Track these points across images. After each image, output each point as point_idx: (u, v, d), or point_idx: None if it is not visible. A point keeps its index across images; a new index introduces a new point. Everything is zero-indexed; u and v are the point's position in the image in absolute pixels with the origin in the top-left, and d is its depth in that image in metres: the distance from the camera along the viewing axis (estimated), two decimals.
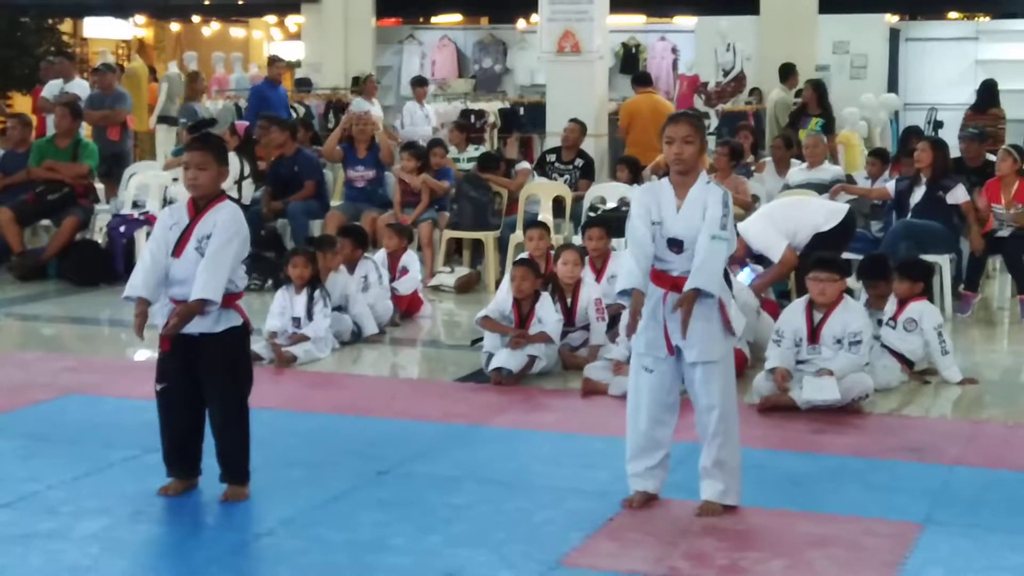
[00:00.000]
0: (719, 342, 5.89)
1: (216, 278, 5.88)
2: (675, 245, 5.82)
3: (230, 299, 5.98)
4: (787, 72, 17.02)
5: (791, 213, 9.92)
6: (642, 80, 16.15)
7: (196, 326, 5.94)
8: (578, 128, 13.79)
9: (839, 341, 7.92)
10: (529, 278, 8.78)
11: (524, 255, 9.68)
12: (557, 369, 8.76)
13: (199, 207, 6.03)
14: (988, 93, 16.62)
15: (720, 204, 5.81)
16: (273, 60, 18.04)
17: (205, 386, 6.01)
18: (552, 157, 13.83)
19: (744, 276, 9.58)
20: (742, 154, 12.70)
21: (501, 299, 8.93)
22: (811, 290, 8.07)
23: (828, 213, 9.89)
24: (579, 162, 13.61)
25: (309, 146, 13.93)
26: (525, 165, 13.85)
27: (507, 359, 8.52)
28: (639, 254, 5.86)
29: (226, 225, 5.96)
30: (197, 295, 5.86)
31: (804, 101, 15.91)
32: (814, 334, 7.99)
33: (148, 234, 12.13)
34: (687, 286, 5.73)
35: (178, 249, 5.96)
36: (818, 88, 15.92)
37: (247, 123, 15.70)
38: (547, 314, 8.71)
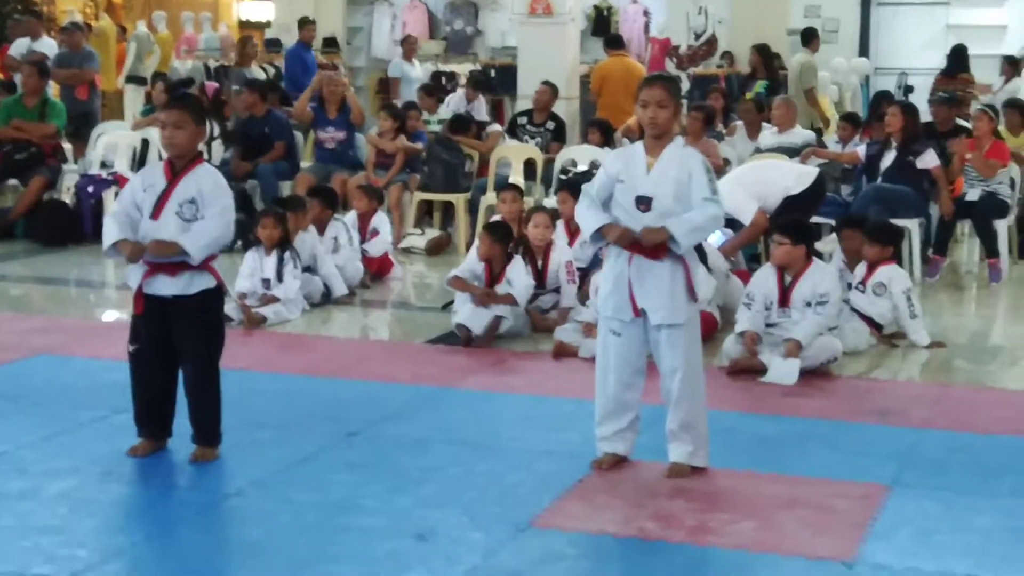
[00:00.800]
0: (683, 305, 5.89)
1: (206, 239, 5.86)
2: (643, 202, 5.82)
3: (204, 261, 5.95)
4: (809, 36, 17.02)
5: (761, 176, 9.93)
6: (614, 43, 16.11)
7: (169, 288, 5.91)
8: (549, 91, 13.77)
9: (809, 304, 7.95)
10: (495, 244, 8.76)
11: (496, 218, 9.67)
12: (526, 332, 8.77)
13: (176, 169, 5.98)
14: (957, 58, 16.67)
15: (704, 170, 5.84)
16: (304, 22, 17.82)
17: (178, 348, 5.99)
18: (523, 119, 13.81)
19: (715, 239, 9.59)
20: (715, 117, 12.69)
21: (472, 260, 8.92)
22: (772, 252, 8.11)
23: (798, 176, 9.90)
24: (550, 124, 13.59)
25: (278, 107, 13.87)
26: (497, 127, 13.83)
27: (470, 316, 8.53)
28: (591, 204, 5.92)
29: (216, 193, 5.94)
30: (184, 243, 5.82)
31: (751, 65, 15.97)
32: (784, 297, 8.02)
33: (116, 194, 12.09)
34: (666, 225, 5.75)
35: (156, 211, 5.92)
36: (763, 52, 15.96)
37: (216, 84, 15.64)
38: (517, 276, 8.71)
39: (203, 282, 5.97)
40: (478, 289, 8.70)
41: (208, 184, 5.95)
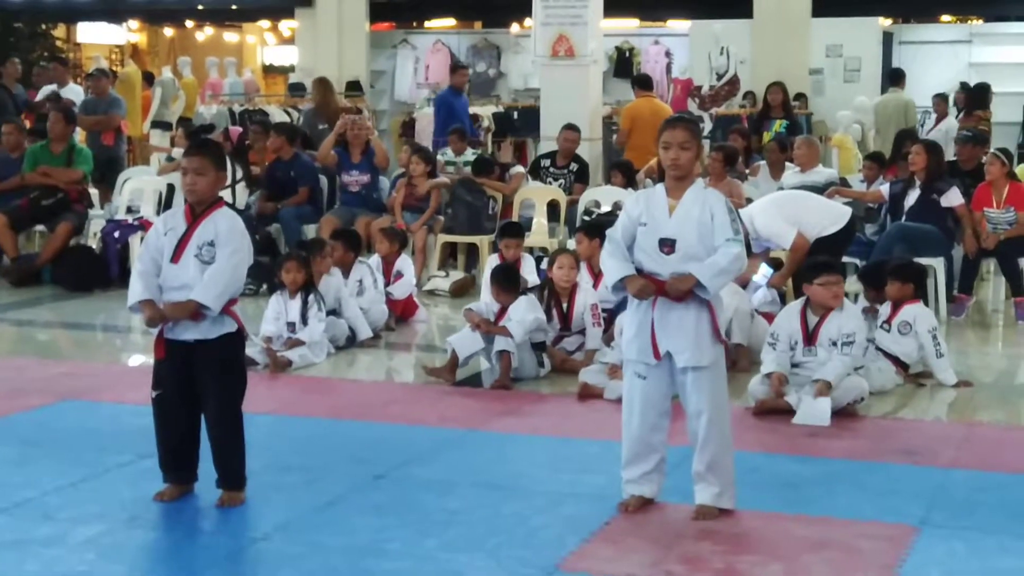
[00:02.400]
0: (708, 347, 5.89)
1: (219, 287, 5.88)
2: (666, 245, 5.82)
3: (226, 305, 5.97)
4: (898, 76, 17.36)
5: (799, 207, 9.92)
6: (643, 83, 16.14)
7: (191, 332, 5.94)
8: (576, 137, 13.76)
9: (834, 343, 7.93)
10: (502, 291, 8.81)
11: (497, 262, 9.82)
12: (535, 372, 8.73)
13: (196, 213, 6.02)
14: (973, 96, 16.69)
15: (725, 211, 5.84)
16: (456, 67, 17.63)
17: (200, 392, 6.00)
18: (547, 162, 13.83)
19: (760, 274, 9.60)
20: (736, 157, 12.69)
21: (487, 296, 8.97)
22: (821, 295, 8.04)
23: (834, 217, 9.89)
24: (574, 166, 13.61)
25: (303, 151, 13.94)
26: (520, 169, 13.85)
27: (459, 338, 8.61)
28: (616, 251, 5.92)
29: (229, 236, 5.95)
30: (197, 298, 5.86)
31: (768, 103, 15.94)
32: (810, 336, 7.99)
33: (142, 239, 12.15)
34: (692, 272, 5.75)
35: (176, 255, 5.96)
36: (784, 90, 15.97)
37: (240, 129, 15.72)
38: (516, 312, 8.70)
39: (224, 326, 5.99)
40: (477, 317, 8.71)
41: (224, 226, 5.98)
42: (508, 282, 8.87)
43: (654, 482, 6.03)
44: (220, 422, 6.03)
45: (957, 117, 17.10)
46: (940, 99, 17.28)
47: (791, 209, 9.83)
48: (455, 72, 17.06)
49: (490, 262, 10.36)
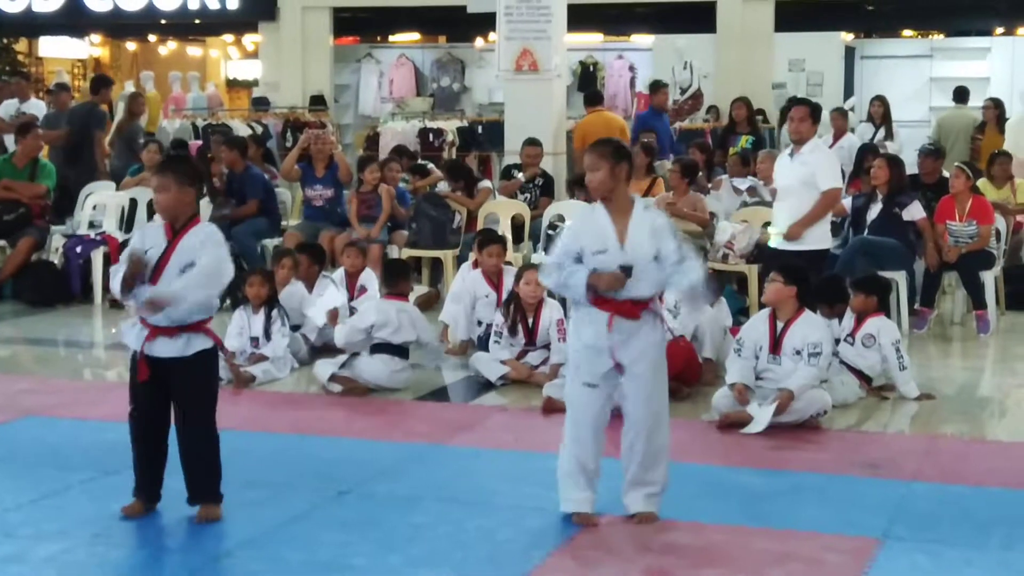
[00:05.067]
0: (658, 358, 6.04)
1: (192, 296, 5.87)
2: (624, 270, 5.90)
3: (201, 323, 5.98)
4: (963, 93, 17.46)
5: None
6: (592, 99, 16.23)
7: (168, 349, 5.93)
8: (538, 152, 13.72)
9: (798, 352, 7.94)
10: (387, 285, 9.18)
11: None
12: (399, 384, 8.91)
13: (175, 230, 6.02)
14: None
15: (671, 230, 6.00)
16: (656, 86, 16.97)
17: (176, 409, 5.99)
18: (516, 172, 13.79)
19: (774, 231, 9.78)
20: (696, 170, 12.68)
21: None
22: (764, 290, 8.17)
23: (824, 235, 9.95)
24: (539, 180, 13.60)
25: (261, 164, 13.91)
26: (487, 184, 13.83)
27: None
28: (563, 266, 6.05)
29: (203, 247, 5.95)
30: (169, 297, 5.84)
31: (733, 119, 15.95)
32: (775, 344, 8.02)
33: (105, 255, 12.10)
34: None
35: (155, 275, 5.93)
36: (748, 106, 16.00)
37: (199, 143, 15.66)
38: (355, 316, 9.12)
39: (200, 343, 5.99)
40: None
41: (197, 241, 5.97)
42: (394, 276, 9.17)
43: (593, 493, 6.11)
44: (197, 439, 6.02)
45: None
46: (838, 114, 16.20)
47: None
48: (656, 91, 16.63)
49: (463, 274, 10.33)
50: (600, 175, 5.99)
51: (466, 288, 9.94)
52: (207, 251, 5.95)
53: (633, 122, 17.10)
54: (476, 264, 10.14)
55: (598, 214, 6.05)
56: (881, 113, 16.65)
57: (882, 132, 16.39)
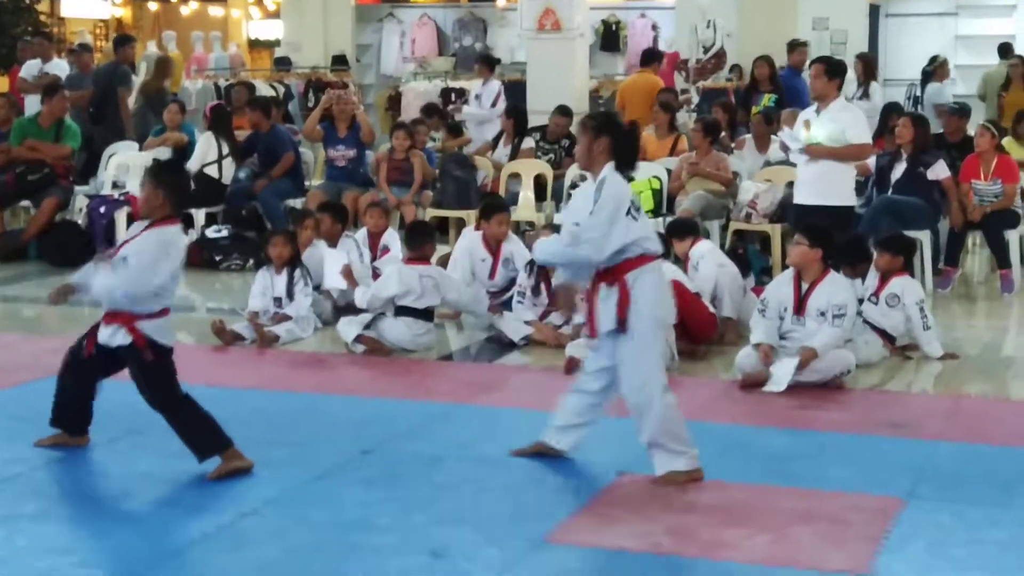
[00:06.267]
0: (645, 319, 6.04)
1: (109, 283, 6.06)
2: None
3: (126, 317, 6.08)
4: (1007, 49, 17.78)
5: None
6: (646, 58, 16.16)
7: (102, 335, 6.16)
8: (566, 122, 13.61)
9: (823, 313, 7.93)
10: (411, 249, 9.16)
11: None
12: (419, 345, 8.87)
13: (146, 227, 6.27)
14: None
15: (592, 200, 6.01)
16: (794, 45, 16.57)
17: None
18: (537, 135, 13.74)
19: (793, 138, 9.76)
20: (719, 129, 12.60)
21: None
22: (789, 252, 8.18)
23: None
24: (565, 141, 13.51)
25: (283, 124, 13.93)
26: (529, 143, 13.66)
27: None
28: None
29: (134, 248, 6.12)
30: (87, 281, 6.17)
31: (756, 78, 15.83)
32: (799, 305, 8.00)
33: (128, 214, 12.13)
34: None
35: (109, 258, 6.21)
36: (771, 64, 15.88)
37: (219, 102, 15.64)
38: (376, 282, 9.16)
39: (121, 339, 6.11)
40: None
41: (140, 242, 6.14)
42: (417, 239, 9.18)
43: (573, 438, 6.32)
44: (165, 415, 6.14)
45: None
46: (862, 61, 16.46)
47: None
48: (793, 50, 16.25)
49: (466, 234, 10.31)
50: (579, 148, 6.23)
51: (464, 247, 9.94)
52: (140, 254, 6.09)
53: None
54: (479, 226, 10.13)
55: (586, 184, 6.27)
56: (861, 71, 16.56)
57: (861, 90, 16.31)
